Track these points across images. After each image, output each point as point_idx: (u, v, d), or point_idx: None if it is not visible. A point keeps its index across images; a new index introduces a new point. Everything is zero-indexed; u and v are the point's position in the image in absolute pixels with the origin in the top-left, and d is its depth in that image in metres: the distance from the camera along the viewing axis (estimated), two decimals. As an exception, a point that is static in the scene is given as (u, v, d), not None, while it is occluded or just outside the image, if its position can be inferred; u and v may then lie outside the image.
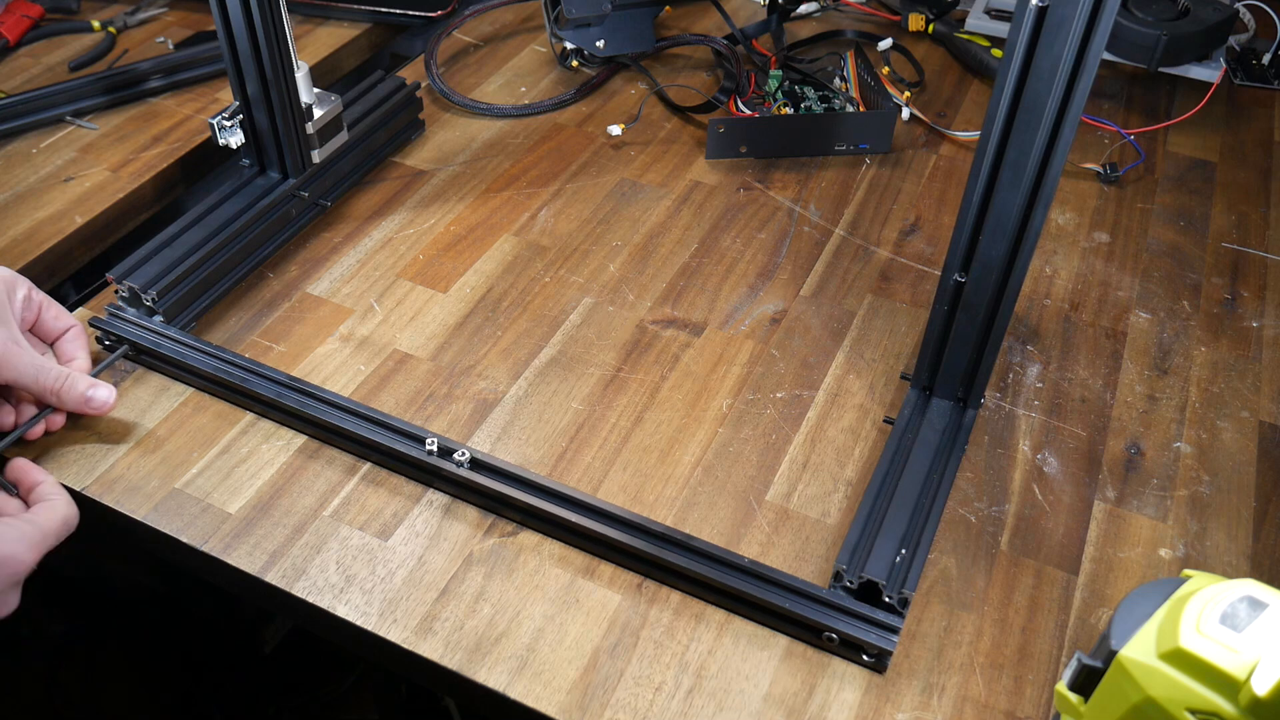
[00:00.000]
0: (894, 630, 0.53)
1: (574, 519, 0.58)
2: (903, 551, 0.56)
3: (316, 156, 0.77)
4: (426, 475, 0.62)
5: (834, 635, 0.54)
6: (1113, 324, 0.75)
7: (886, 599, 0.54)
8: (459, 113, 0.93)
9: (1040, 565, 0.59)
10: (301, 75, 0.73)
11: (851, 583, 0.55)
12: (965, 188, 0.57)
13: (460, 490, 0.61)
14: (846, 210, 0.84)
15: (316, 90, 0.76)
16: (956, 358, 0.63)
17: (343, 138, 0.79)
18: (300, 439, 0.64)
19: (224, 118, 0.73)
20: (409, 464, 0.62)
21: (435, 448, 0.61)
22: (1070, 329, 0.74)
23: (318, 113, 0.76)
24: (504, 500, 0.60)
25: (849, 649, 0.54)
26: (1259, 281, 0.79)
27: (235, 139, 0.74)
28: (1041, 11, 0.50)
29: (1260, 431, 0.67)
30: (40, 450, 0.63)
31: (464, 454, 0.60)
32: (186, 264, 0.70)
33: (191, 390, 0.67)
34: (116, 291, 0.69)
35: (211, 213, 0.74)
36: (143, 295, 0.68)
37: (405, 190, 0.84)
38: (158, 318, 0.69)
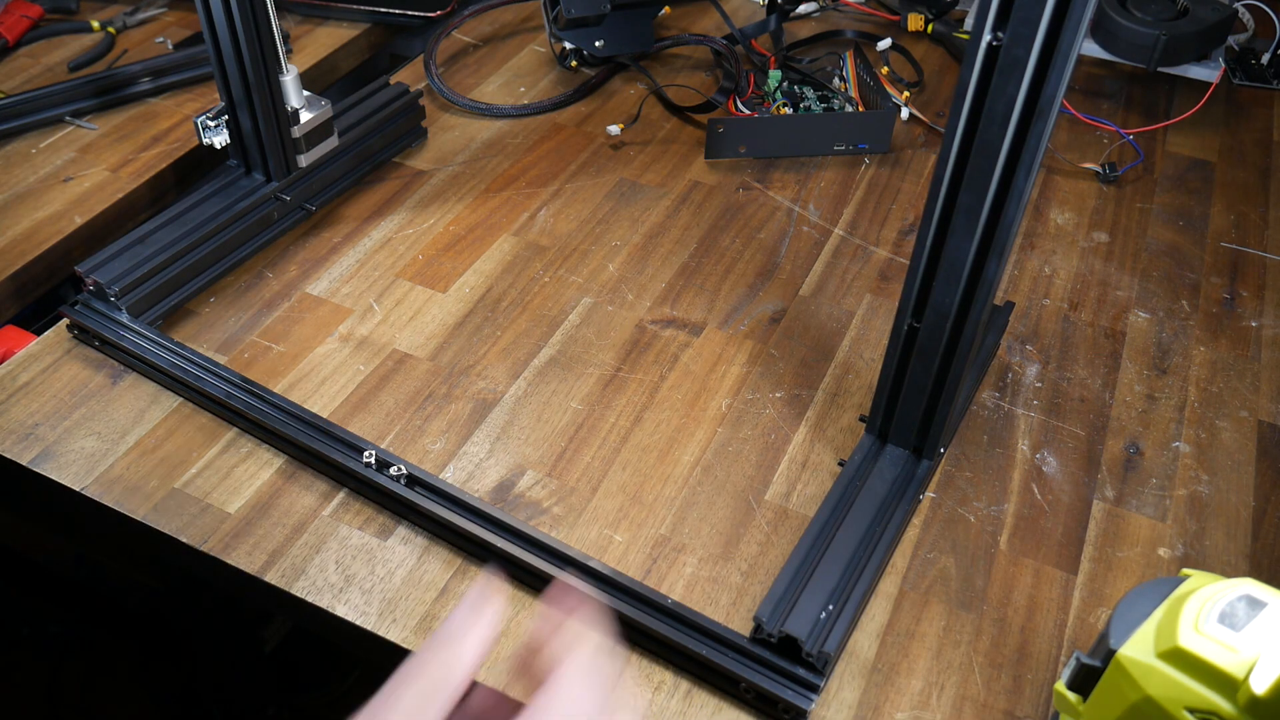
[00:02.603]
0: (813, 689, 0.50)
1: (511, 550, 0.56)
2: (829, 607, 0.52)
3: (303, 161, 0.77)
4: (361, 485, 0.61)
5: (750, 689, 0.51)
6: (1112, 324, 0.75)
7: (806, 656, 0.51)
8: (458, 113, 0.93)
9: (1039, 565, 0.59)
10: (290, 79, 0.73)
11: (771, 636, 0.51)
12: (919, 230, 0.54)
13: (401, 509, 0.60)
14: (845, 210, 0.84)
15: (308, 94, 0.76)
16: (910, 406, 0.59)
17: (332, 143, 0.79)
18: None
19: (209, 117, 0.73)
20: (343, 471, 0.61)
21: (373, 460, 0.60)
22: (1069, 329, 0.74)
23: (305, 117, 0.75)
24: (442, 524, 0.58)
25: (765, 704, 0.51)
26: (1258, 281, 0.79)
27: (220, 139, 0.74)
28: (994, 50, 0.46)
29: (1259, 431, 0.67)
30: (40, 450, 0.63)
31: (401, 469, 0.59)
32: (155, 261, 0.70)
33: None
34: (87, 286, 0.69)
35: (190, 211, 0.74)
36: (106, 290, 0.68)
37: (405, 190, 0.84)
38: (122, 313, 0.69)
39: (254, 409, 0.63)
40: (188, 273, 0.72)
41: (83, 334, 0.69)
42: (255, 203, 0.75)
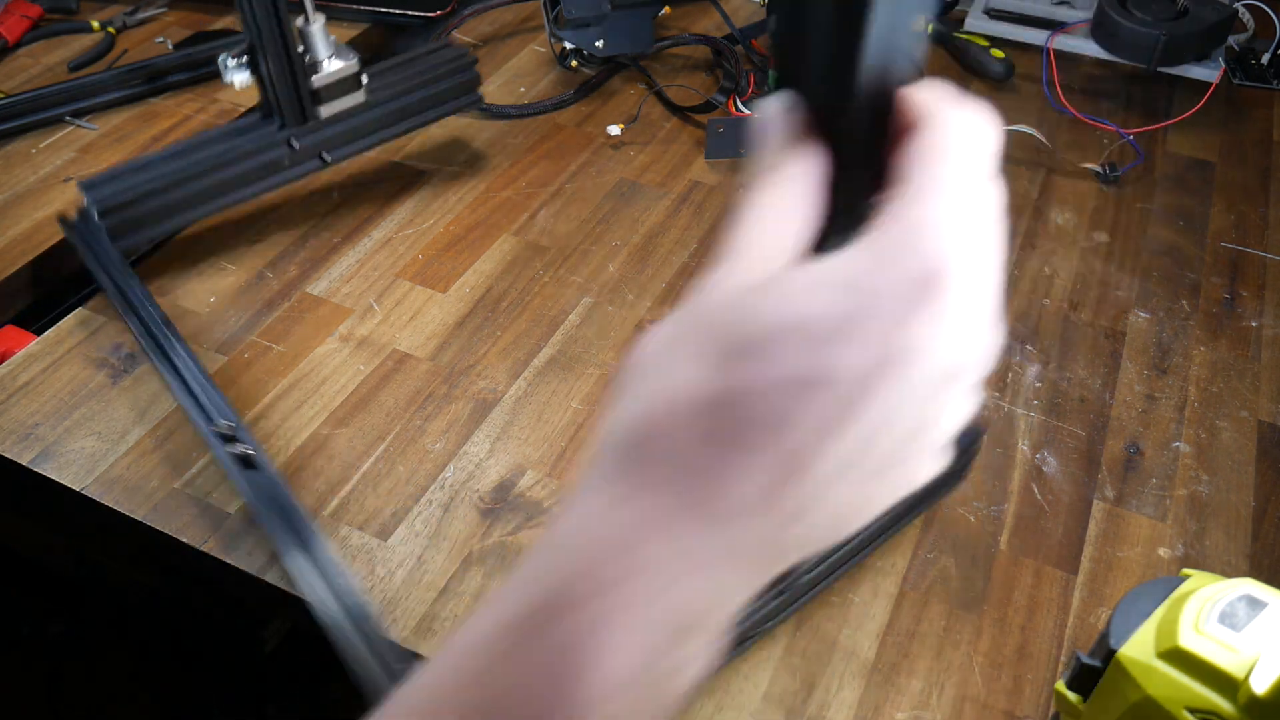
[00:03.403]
0: None
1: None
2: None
3: (322, 112, 0.75)
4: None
5: None
6: (1112, 324, 0.75)
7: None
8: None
9: (1039, 565, 0.59)
10: (316, 28, 0.71)
11: None
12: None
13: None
14: (846, 210, 0.84)
15: (340, 45, 0.74)
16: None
17: (358, 98, 0.76)
18: (301, 438, 0.64)
19: (231, 55, 0.71)
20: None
21: (225, 431, 0.61)
22: (1069, 329, 0.74)
23: (328, 68, 0.73)
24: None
25: None
26: (1258, 281, 0.79)
27: (240, 78, 0.72)
28: None
29: (1259, 431, 0.67)
30: (40, 450, 0.63)
31: (244, 449, 0.60)
32: (149, 187, 0.69)
33: (191, 390, 0.67)
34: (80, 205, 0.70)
35: (199, 147, 0.73)
36: (92, 209, 0.68)
37: (405, 190, 0.84)
38: (103, 235, 0.69)
39: (153, 348, 0.64)
40: (181, 204, 0.72)
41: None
42: (263, 145, 0.74)
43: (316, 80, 0.73)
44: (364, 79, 0.76)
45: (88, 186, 0.69)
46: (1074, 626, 0.56)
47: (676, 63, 1.02)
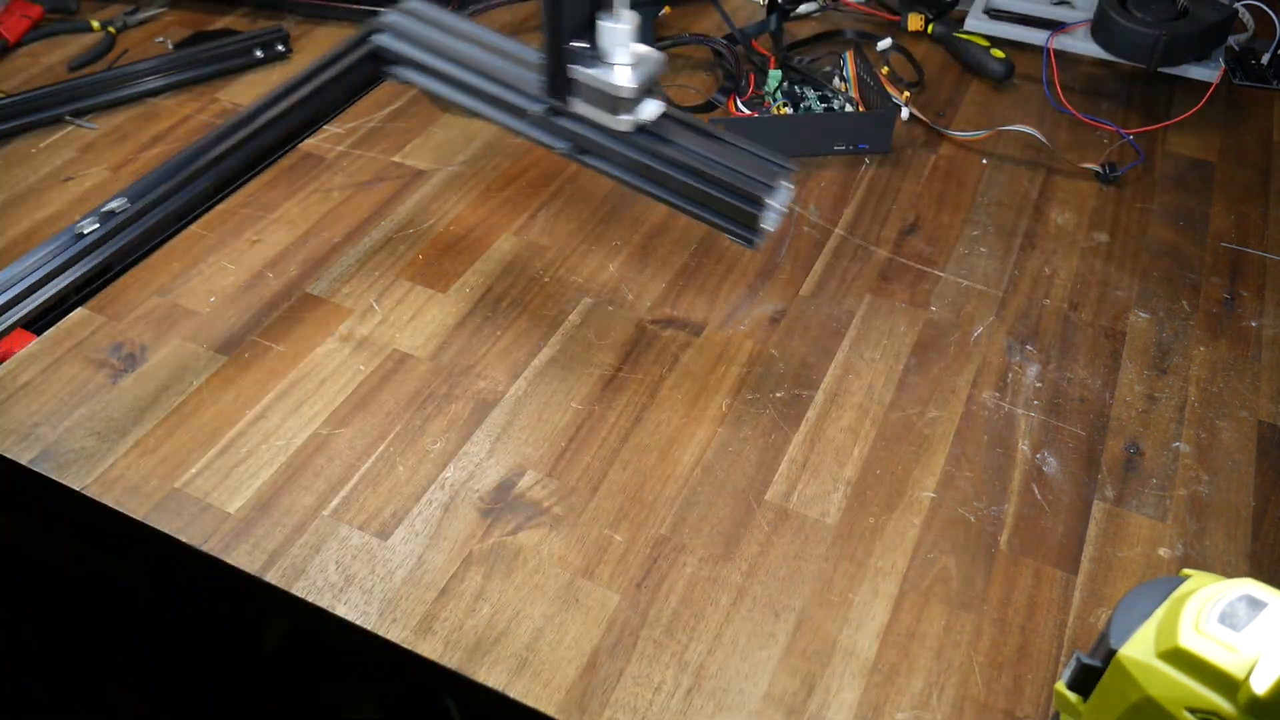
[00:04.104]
0: None
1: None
2: None
3: (573, 104, 0.65)
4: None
5: None
6: (1112, 324, 0.75)
7: None
8: (459, 113, 0.93)
9: (1039, 565, 0.59)
10: (615, 26, 0.61)
11: None
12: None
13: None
14: (846, 210, 0.84)
15: (650, 60, 0.62)
16: None
17: (614, 121, 0.64)
18: (301, 438, 0.64)
19: None
20: None
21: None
22: (1069, 329, 0.74)
23: (599, 71, 0.62)
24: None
25: None
26: (1258, 281, 0.79)
27: None
28: None
29: (1259, 431, 0.67)
30: (40, 450, 0.63)
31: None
32: (436, 41, 0.69)
33: (191, 389, 0.67)
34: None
35: (492, 45, 0.69)
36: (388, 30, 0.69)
37: (405, 190, 0.84)
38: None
39: None
40: (442, 74, 0.70)
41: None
42: (526, 87, 0.67)
43: (577, 73, 0.63)
44: (635, 116, 0.63)
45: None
46: (1074, 626, 0.56)
47: (676, 63, 1.02)
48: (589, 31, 0.61)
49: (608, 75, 0.62)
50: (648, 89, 0.63)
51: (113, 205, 0.67)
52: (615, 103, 0.62)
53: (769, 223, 0.62)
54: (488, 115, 0.70)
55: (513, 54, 0.68)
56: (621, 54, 0.61)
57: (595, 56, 0.62)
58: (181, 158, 0.70)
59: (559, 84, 0.64)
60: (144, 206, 0.68)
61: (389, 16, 0.72)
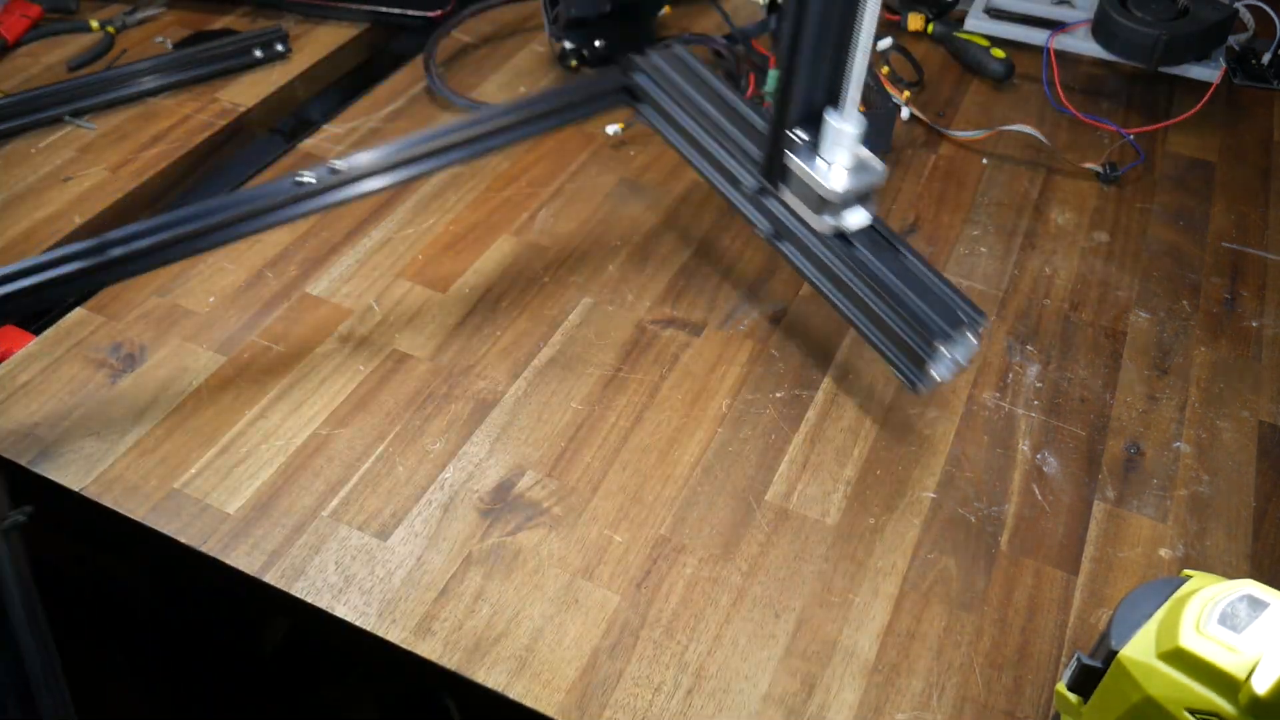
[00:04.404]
0: None
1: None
2: None
3: (783, 192, 0.63)
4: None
5: None
6: (1112, 324, 0.75)
7: None
8: (458, 113, 0.93)
9: (1040, 565, 0.59)
10: (842, 125, 0.59)
11: None
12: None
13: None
14: (846, 210, 0.84)
15: (869, 167, 0.60)
16: None
17: (817, 219, 0.62)
18: (300, 438, 0.64)
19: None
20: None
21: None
22: (1070, 329, 0.74)
23: (815, 171, 0.60)
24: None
25: None
26: (1259, 281, 0.79)
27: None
28: None
29: (1260, 431, 0.67)
30: (40, 450, 0.63)
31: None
32: (680, 80, 0.71)
33: (191, 389, 0.67)
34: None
35: (722, 104, 0.70)
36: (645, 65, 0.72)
37: (405, 190, 0.84)
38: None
39: None
40: (671, 119, 0.74)
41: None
42: (746, 154, 0.68)
43: (792, 161, 0.61)
44: (837, 220, 0.61)
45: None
46: (1074, 627, 0.56)
47: (676, 62, 1.02)
48: (815, 124, 0.60)
49: (820, 173, 0.60)
50: (859, 197, 0.61)
51: (336, 163, 0.66)
52: (821, 202, 0.60)
53: (940, 372, 0.59)
54: (705, 174, 0.71)
55: (749, 123, 0.68)
56: (840, 155, 0.60)
57: (815, 150, 0.60)
58: (417, 137, 0.68)
59: (774, 168, 0.63)
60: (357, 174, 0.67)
61: (652, 58, 0.74)
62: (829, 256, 0.63)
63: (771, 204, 0.66)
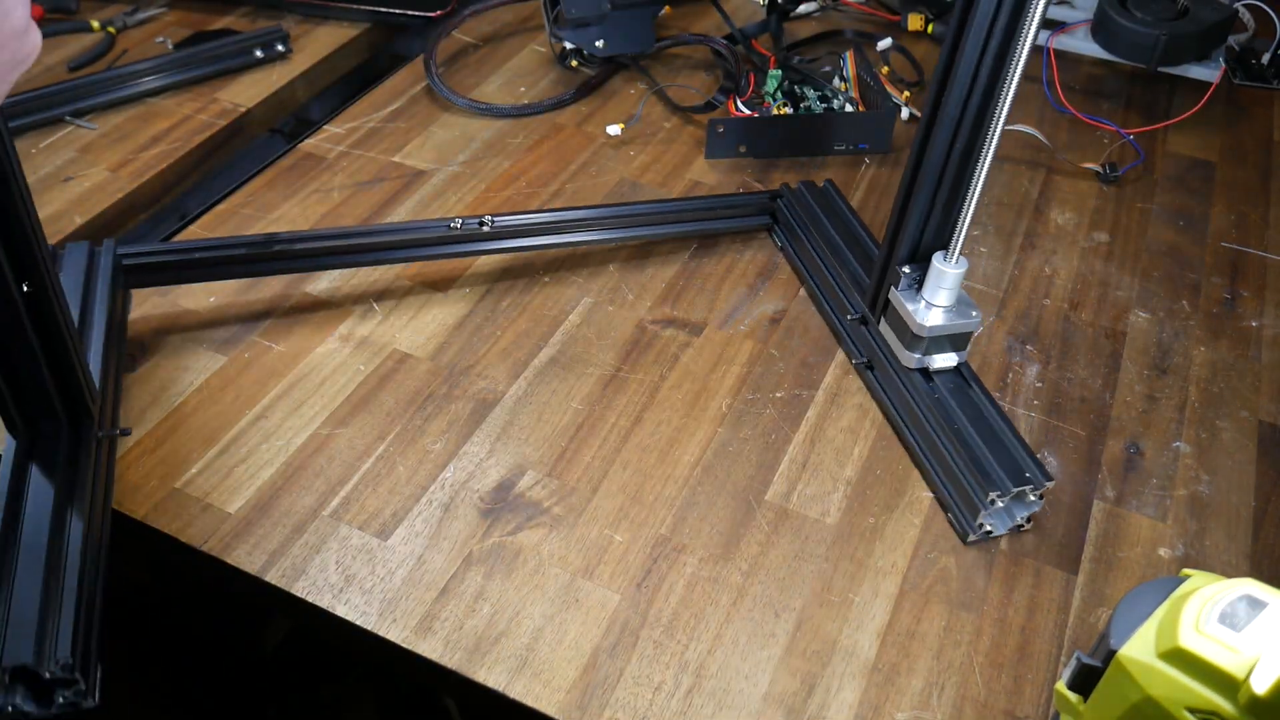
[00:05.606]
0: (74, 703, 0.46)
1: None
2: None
3: (882, 327, 0.67)
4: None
5: None
6: (1112, 324, 0.75)
7: (49, 675, 0.46)
8: (459, 113, 0.93)
9: (1039, 565, 0.59)
10: (948, 268, 0.61)
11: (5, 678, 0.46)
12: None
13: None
14: (846, 210, 0.84)
15: (966, 307, 0.63)
16: None
17: (906, 355, 0.65)
18: (301, 438, 0.64)
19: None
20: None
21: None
22: (1070, 329, 0.74)
23: (914, 308, 0.62)
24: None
25: None
26: (1258, 281, 0.79)
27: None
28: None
29: (1260, 431, 0.67)
30: (40, 450, 0.63)
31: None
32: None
33: (191, 388, 0.67)
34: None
35: (845, 226, 0.76)
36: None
37: (405, 190, 0.84)
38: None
39: None
40: (797, 242, 0.78)
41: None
42: (856, 284, 0.70)
43: (894, 295, 0.64)
44: (923, 358, 0.64)
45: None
46: (1074, 626, 0.56)
47: (676, 63, 1.02)
48: (923, 262, 0.62)
49: (916, 309, 0.62)
50: (951, 341, 0.64)
51: (487, 218, 0.73)
52: (912, 338, 0.63)
53: (990, 524, 0.59)
54: (815, 298, 0.74)
55: (869, 256, 0.72)
56: (940, 295, 0.62)
57: (917, 289, 0.63)
58: (566, 213, 0.75)
59: (877, 300, 0.66)
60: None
61: (798, 186, 0.79)
62: (910, 390, 0.64)
63: (868, 334, 0.69)
